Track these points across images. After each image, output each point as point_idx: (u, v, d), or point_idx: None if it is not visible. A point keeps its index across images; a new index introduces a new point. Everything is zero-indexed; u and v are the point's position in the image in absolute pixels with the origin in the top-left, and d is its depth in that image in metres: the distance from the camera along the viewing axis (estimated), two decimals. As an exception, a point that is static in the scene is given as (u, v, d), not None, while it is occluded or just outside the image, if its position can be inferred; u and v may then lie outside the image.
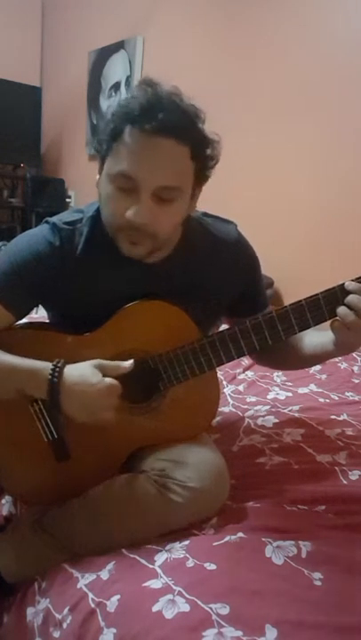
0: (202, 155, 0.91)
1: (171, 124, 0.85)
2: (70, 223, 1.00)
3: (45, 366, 0.92)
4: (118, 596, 0.80)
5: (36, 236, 0.99)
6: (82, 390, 0.90)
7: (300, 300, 0.92)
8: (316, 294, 0.91)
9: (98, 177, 0.95)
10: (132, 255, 0.95)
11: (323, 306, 0.91)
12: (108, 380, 0.91)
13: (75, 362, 0.95)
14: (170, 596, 0.77)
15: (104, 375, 0.92)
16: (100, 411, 0.92)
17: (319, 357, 1.07)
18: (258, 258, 1.14)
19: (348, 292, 0.88)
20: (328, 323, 0.93)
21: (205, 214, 1.10)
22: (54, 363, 0.92)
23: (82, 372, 0.92)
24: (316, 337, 1.04)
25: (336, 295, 0.90)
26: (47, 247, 0.98)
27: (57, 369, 0.91)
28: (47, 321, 1.15)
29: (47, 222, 1.01)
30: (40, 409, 0.97)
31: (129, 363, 0.94)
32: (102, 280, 1.00)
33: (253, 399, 1.51)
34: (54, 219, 1.01)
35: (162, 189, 0.88)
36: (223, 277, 1.07)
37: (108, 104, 3.70)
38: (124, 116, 0.87)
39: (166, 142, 0.86)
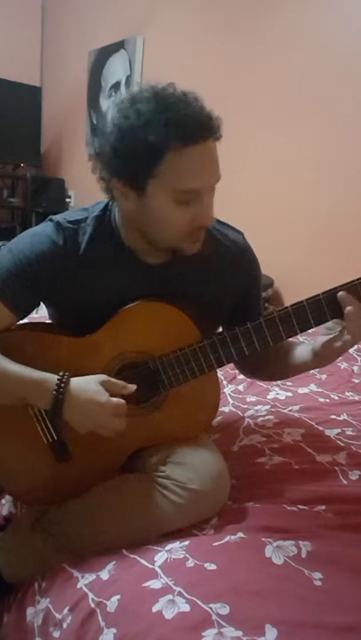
0: (219, 135, 0.93)
1: (211, 128, 0.88)
2: (74, 222, 1.00)
3: (50, 379, 0.91)
4: (118, 596, 0.80)
5: (39, 235, 0.99)
6: (88, 408, 0.90)
7: (302, 301, 0.92)
8: (318, 295, 0.91)
9: (125, 201, 0.92)
10: (194, 252, 0.97)
11: (324, 306, 0.91)
12: (115, 400, 0.91)
13: (75, 365, 0.95)
14: (170, 596, 0.77)
15: (108, 392, 0.92)
16: (104, 429, 0.93)
17: (298, 368, 1.07)
18: (261, 270, 1.14)
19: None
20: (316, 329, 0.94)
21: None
22: (59, 376, 0.91)
23: (87, 388, 0.91)
24: (302, 347, 1.05)
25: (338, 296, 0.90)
26: (51, 246, 0.97)
27: (62, 383, 0.90)
28: (48, 321, 1.15)
29: (51, 220, 1.00)
30: (40, 411, 0.97)
31: (133, 386, 0.95)
32: (104, 280, 1.00)
33: (253, 399, 1.51)
34: (58, 217, 1.00)
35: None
36: (225, 281, 1.06)
37: (107, 104, 3.71)
38: (169, 138, 0.83)
39: (210, 144, 0.88)
